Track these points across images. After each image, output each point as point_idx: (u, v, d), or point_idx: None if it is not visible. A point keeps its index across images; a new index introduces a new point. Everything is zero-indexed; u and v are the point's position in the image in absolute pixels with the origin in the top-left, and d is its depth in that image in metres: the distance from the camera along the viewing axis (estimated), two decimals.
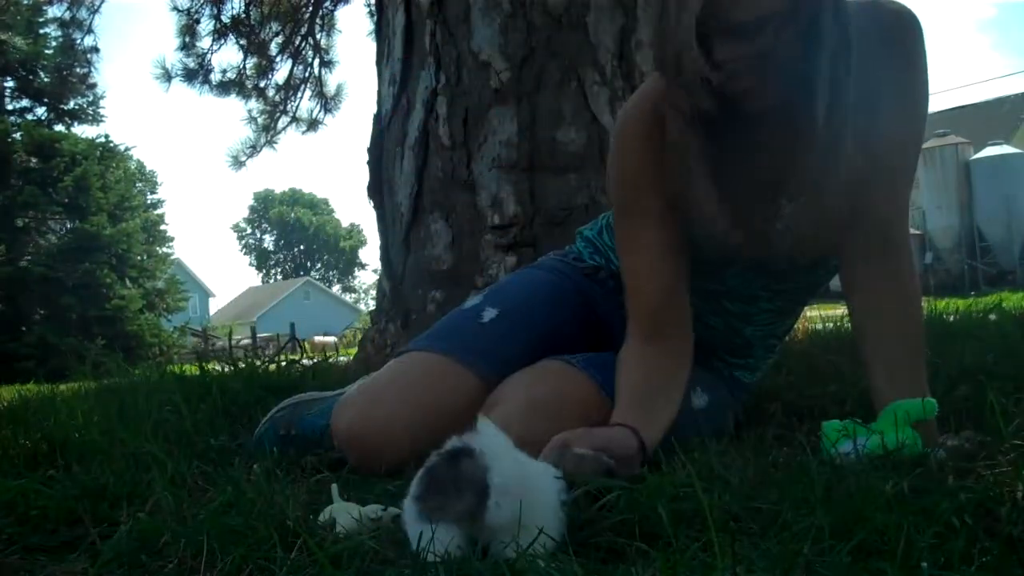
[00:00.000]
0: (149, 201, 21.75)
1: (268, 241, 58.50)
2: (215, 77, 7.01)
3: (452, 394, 1.45)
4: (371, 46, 3.98)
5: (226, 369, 2.53)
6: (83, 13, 6.93)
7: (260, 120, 7.28)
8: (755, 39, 1.12)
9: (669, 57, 1.17)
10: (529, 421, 1.29)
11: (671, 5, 1.15)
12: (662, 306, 1.40)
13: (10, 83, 17.42)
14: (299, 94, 7.17)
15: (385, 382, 1.53)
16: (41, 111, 17.73)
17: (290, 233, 56.97)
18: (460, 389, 1.46)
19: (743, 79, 1.15)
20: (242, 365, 2.55)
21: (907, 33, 1.30)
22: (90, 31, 7.09)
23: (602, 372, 1.43)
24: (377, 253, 3.27)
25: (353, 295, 55.85)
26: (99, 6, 6.90)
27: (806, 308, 1.82)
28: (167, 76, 6.96)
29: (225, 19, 6.81)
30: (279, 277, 56.21)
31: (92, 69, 7.60)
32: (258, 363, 2.59)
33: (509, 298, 1.63)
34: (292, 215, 56.49)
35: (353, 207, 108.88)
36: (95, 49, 7.29)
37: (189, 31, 6.83)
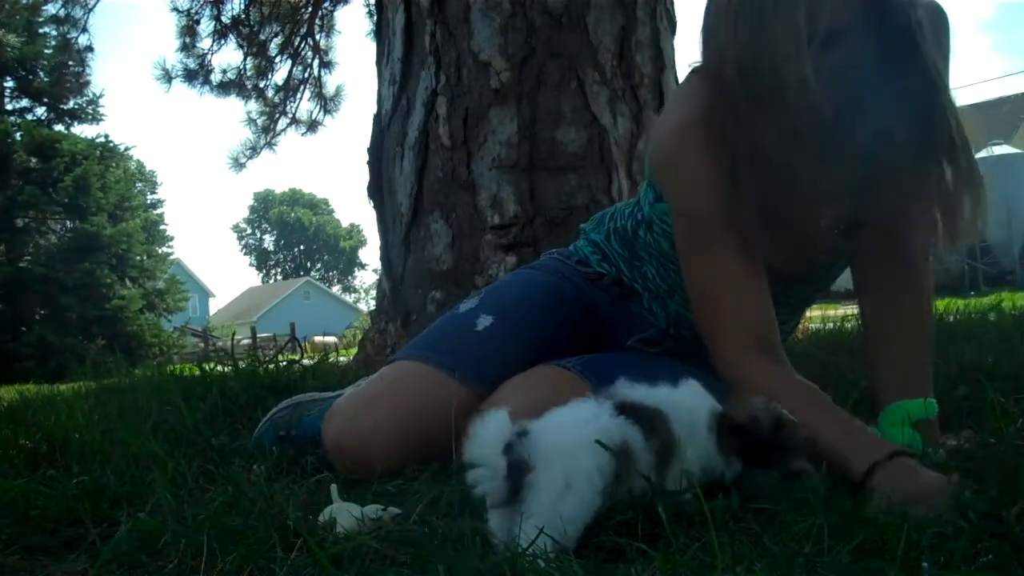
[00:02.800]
0: (149, 201, 21.77)
1: (268, 241, 58.52)
2: (215, 78, 7.02)
3: (444, 406, 1.39)
4: (371, 46, 3.98)
5: (226, 369, 2.53)
6: (78, 11, 6.93)
7: (260, 122, 7.28)
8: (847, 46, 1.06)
9: (766, 66, 1.07)
10: None
11: (768, 8, 1.05)
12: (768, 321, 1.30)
13: (10, 83, 17.43)
14: (298, 95, 7.17)
15: (375, 392, 1.51)
16: (41, 111, 17.74)
17: (290, 233, 56.97)
18: (451, 401, 1.40)
19: (837, 90, 1.09)
20: (242, 365, 2.55)
21: (947, 29, 1.27)
22: (84, 30, 7.09)
23: (598, 375, 1.39)
24: (377, 253, 3.27)
25: (353, 295, 55.84)
26: (94, 5, 6.89)
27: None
28: (167, 77, 6.97)
29: (225, 20, 6.81)
30: (279, 277, 56.21)
31: (86, 68, 7.60)
32: (258, 363, 2.59)
33: (505, 304, 1.58)
34: (292, 215, 56.49)
35: (353, 207, 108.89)
36: (90, 48, 7.29)
37: (189, 32, 6.83)
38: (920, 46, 1.11)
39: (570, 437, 0.95)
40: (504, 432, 0.94)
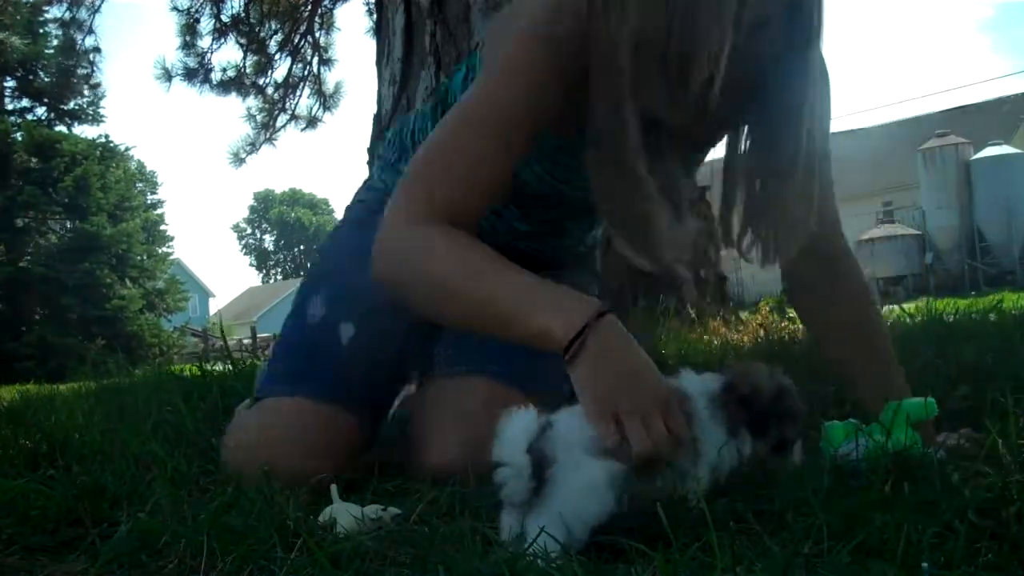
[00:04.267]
0: (149, 201, 21.74)
1: (268, 241, 58.51)
2: (215, 76, 7.03)
3: (328, 435, 1.35)
4: (370, 44, 3.97)
5: (226, 369, 2.53)
6: (83, 13, 6.95)
7: (259, 118, 7.30)
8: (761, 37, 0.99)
9: (673, 54, 0.97)
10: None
11: None
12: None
13: (10, 83, 17.44)
14: (298, 92, 7.19)
15: (255, 438, 1.38)
16: (41, 111, 17.76)
17: (290, 233, 56.96)
18: (334, 429, 1.36)
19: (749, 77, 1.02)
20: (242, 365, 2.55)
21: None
22: (91, 31, 7.11)
23: (535, 382, 1.30)
24: None
25: None
26: (99, 6, 6.92)
27: None
28: (167, 76, 6.98)
29: (225, 18, 6.83)
30: (279, 277, 56.20)
31: (95, 69, 7.63)
32: (258, 362, 2.59)
33: (357, 303, 1.42)
34: (292, 215, 56.49)
35: None
36: (97, 49, 7.32)
37: (190, 30, 6.84)
38: (813, 47, 1.05)
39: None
40: (530, 430, 0.94)
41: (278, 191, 58.73)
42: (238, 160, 7.35)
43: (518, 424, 0.95)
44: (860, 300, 1.38)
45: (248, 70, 7.05)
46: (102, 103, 17.76)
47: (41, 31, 14.80)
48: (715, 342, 2.55)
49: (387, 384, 1.51)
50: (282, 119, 7.28)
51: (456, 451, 1.27)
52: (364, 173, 3.30)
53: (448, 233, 1.12)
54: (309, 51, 7.05)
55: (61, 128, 17.76)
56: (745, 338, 2.66)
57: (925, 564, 0.76)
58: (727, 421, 1.04)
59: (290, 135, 8.87)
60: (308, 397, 1.37)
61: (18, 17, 9.88)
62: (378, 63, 3.69)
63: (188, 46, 6.91)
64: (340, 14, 7.26)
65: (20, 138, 16.90)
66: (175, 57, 6.94)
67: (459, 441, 1.28)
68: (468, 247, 1.12)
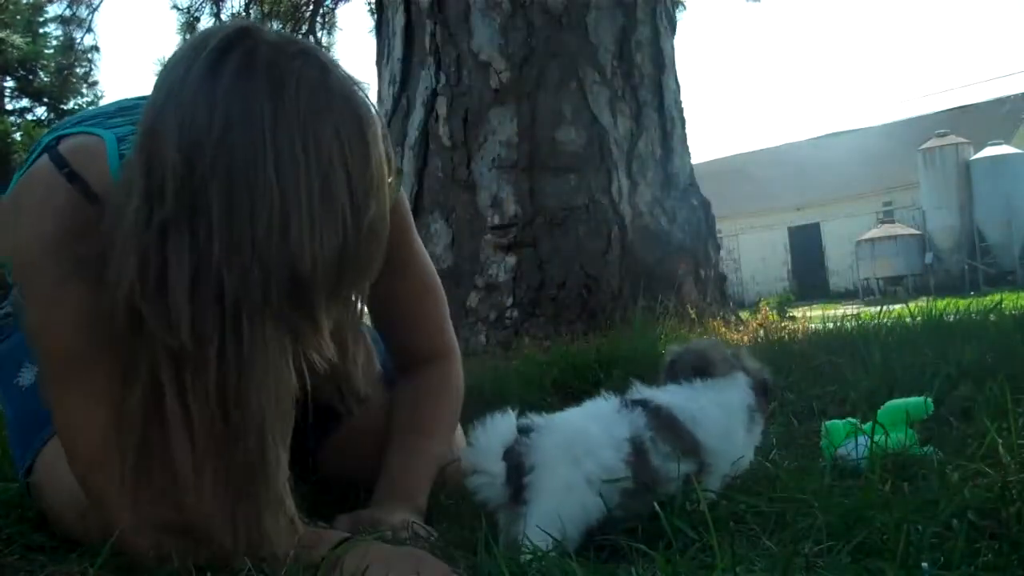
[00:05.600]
0: None
1: None
2: None
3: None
4: (372, 44, 3.99)
5: None
6: (83, 11, 6.97)
7: None
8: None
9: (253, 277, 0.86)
10: None
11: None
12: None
13: (10, 83, 17.46)
14: None
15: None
16: (41, 111, 17.77)
17: None
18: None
19: None
20: None
21: None
22: (90, 30, 7.13)
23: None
24: None
25: None
26: (99, 4, 6.93)
27: (807, 308, 1.81)
28: None
29: (225, 17, 6.83)
30: None
31: (93, 67, 7.65)
32: None
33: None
34: None
35: None
36: (96, 48, 7.34)
37: (190, 29, 6.85)
38: None
39: (572, 434, 0.96)
40: (506, 436, 0.94)
41: None
42: None
43: (494, 431, 0.94)
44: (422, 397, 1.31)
45: None
46: (101, 103, 17.78)
47: (41, 31, 14.81)
48: None
49: None
50: None
51: None
52: None
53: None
54: None
55: None
56: (745, 338, 2.66)
57: (925, 564, 0.76)
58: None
59: None
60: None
61: (18, 16, 9.89)
62: (378, 63, 3.69)
63: None
64: (341, 14, 7.28)
65: (20, 138, 16.90)
66: None
67: None
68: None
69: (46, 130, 1.51)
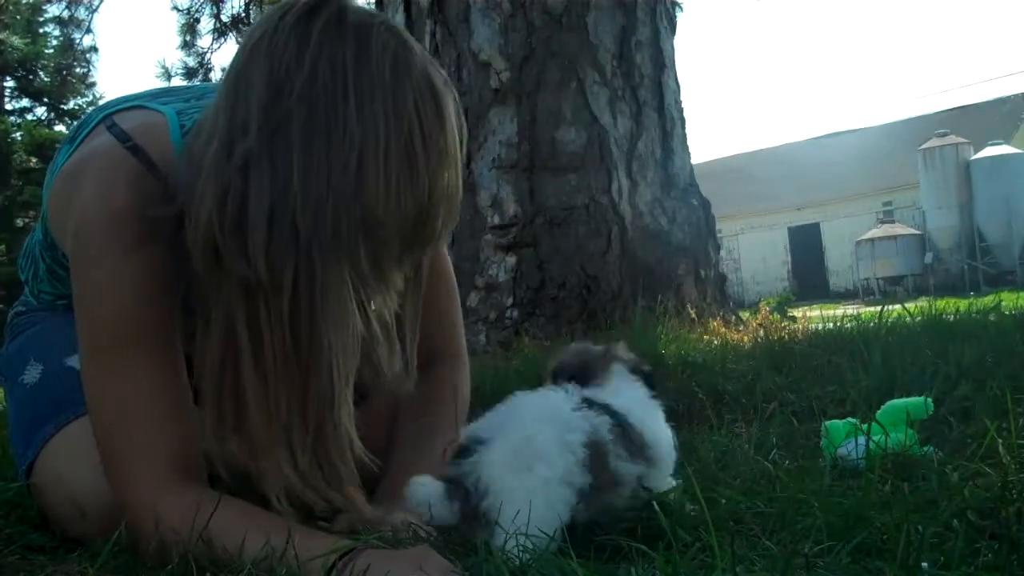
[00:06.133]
0: None
1: None
2: (215, 75, 7.05)
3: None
4: None
5: None
6: (82, 12, 6.98)
7: None
8: None
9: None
10: None
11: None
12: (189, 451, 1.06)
13: (10, 83, 17.46)
14: None
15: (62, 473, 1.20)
16: (41, 111, 17.77)
17: None
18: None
19: None
20: None
21: None
22: (89, 30, 7.14)
23: None
24: None
25: None
26: (98, 5, 6.96)
27: (807, 308, 1.81)
28: (167, 75, 7.01)
29: (225, 18, 6.85)
30: None
31: (91, 68, 7.66)
32: None
33: (51, 349, 1.31)
34: None
35: None
36: (94, 49, 7.36)
37: (190, 30, 6.86)
38: None
39: (518, 444, 0.92)
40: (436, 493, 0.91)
41: None
42: None
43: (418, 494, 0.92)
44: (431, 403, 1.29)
45: None
46: (100, 103, 17.79)
47: (41, 31, 14.82)
48: (715, 342, 2.55)
49: None
50: None
51: None
52: None
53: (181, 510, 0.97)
54: None
55: (61, 128, 17.76)
56: (745, 338, 2.66)
57: (925, 564, 0.76)
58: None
59: None
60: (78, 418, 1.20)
61: (17, 17, 9.90)
62: None
63: (188, 45, 6.93)
64: None
65: (20, 138, 16.91)
66: (175, 56, 6.96)
67: None
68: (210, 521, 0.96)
69: (46, 130, 1.51)
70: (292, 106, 0.91)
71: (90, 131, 1.16)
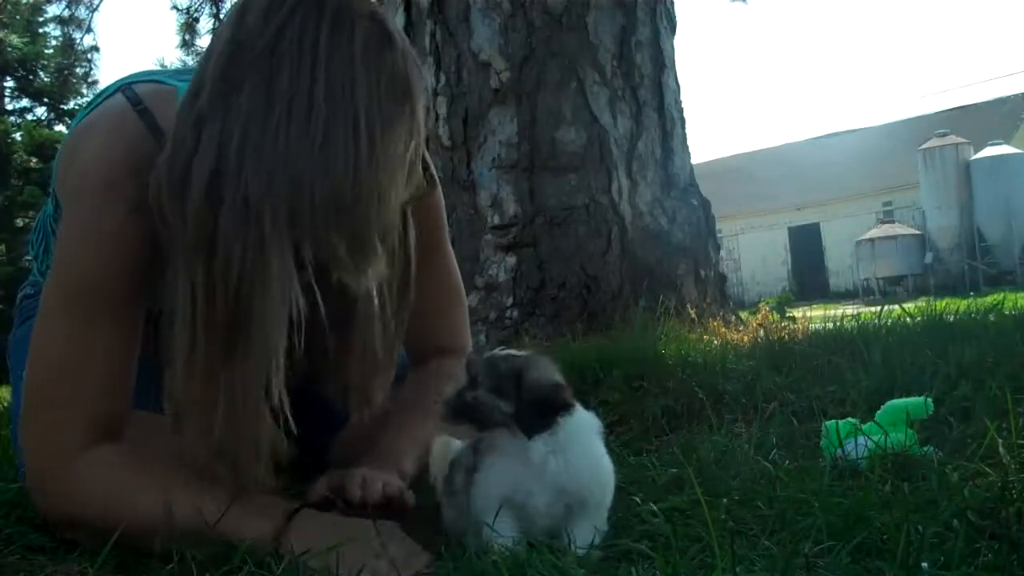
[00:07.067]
0: None
1: None
2: None
3: None
4: None
5: None
6: (82, 12, 6.98)
7: None
8: None
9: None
10: None
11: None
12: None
13: (10, 83, 17.44)
14: None
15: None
16: (41, 111, 17.73)
17: None
18: None
19: None
20: None
21: None
22: (89, 30, 7.14)
23: None
24: None
25: None
26: (98, 4, 6.95)
27: (807, 308, 1.81)
28: None
29: (224, 18, 6.86)
30: None
31: (93, 67, 7.67)
32: None
33: None
34: None
35: None
36: (95, 48, 7.36)
37: (189, 29, 6.86)
38: None
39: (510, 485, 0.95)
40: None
41: None
42: None
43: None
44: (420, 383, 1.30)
45: None
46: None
47: (40, 31, 14.81)
48: (715, 342, 2.55)
49: None
50: None
51: None
52: None
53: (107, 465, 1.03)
54: None
55: (61, 128, 17.73)
56: (745, 338, 2.66)
57: (925, 564, 0.76)
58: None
59: None
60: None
61: (17, 17, 9.91)
62: None
63: (187, 44, 6.93)
64: None
65: (20, 138, 16.89)
66: (174, 56, 6.97)
67: None
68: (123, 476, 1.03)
69: (46, 130, 1.52)
70: (248, 67, 0.89)
71: (107, 96, 1.18)
